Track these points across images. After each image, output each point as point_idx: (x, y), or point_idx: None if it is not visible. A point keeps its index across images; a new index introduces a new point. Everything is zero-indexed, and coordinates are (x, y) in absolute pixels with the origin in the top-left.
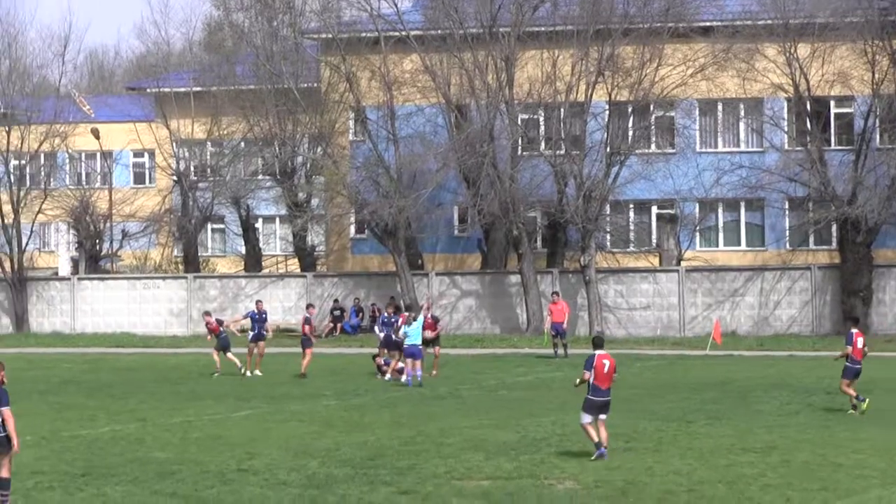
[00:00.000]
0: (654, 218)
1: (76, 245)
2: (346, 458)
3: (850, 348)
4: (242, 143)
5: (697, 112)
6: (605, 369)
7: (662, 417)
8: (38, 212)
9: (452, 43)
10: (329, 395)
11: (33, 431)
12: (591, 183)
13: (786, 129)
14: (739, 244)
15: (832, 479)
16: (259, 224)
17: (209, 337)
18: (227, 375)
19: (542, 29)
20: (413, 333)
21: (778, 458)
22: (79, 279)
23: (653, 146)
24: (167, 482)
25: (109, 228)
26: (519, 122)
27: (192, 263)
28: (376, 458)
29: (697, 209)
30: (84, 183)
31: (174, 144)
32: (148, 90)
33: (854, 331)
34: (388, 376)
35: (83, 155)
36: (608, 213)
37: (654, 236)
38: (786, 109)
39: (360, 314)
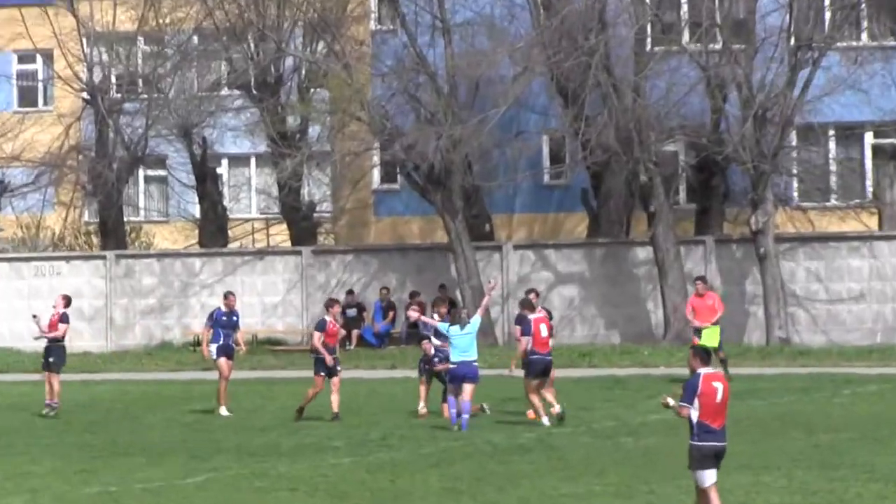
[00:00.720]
0: (867, 152)
1: None
2: None
3: None
4: (196, 39)
5: None
6: (718, 397)
7: (886, 478)
8: None
9: None
10: (340, 448)
11: None
12: (766, 97)
13: None
14: None
15: None
16: (223, 169)
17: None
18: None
19: None
20: (463, 342)
21: None
22: None
23: (864, 35)
24: None
25: None
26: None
27: (113, 235)
28: None
29: None
30: None
31: (84, 42)
32: None
33: None
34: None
35: None
36: (794, 144)
37: (868, 182)
38: None
39: (391, 314)
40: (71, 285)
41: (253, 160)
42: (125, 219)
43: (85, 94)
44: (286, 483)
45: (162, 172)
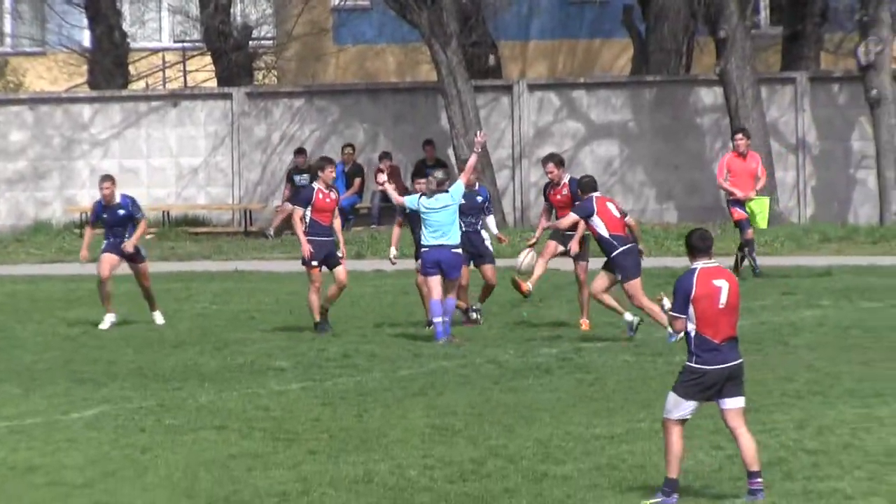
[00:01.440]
0: None
1: None
2: None
3: None
4: None
5: None
6: (721, 300)
7: None
8: None
9: None
10: (285, 370)
11: None
12: None
13: None
14: None
15: None
16: None
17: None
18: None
19: None
20: (438, 219)
21: None
22: None
23: None
24: None
25: None
26: None
27: None
28: None
29: None
30: None
31: None
32: None
33: None
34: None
35: None
36: None
37: None
38: None
39: (357, 181)
40: None
41: None
42: None
43: None
44: (209, 419)
45: None
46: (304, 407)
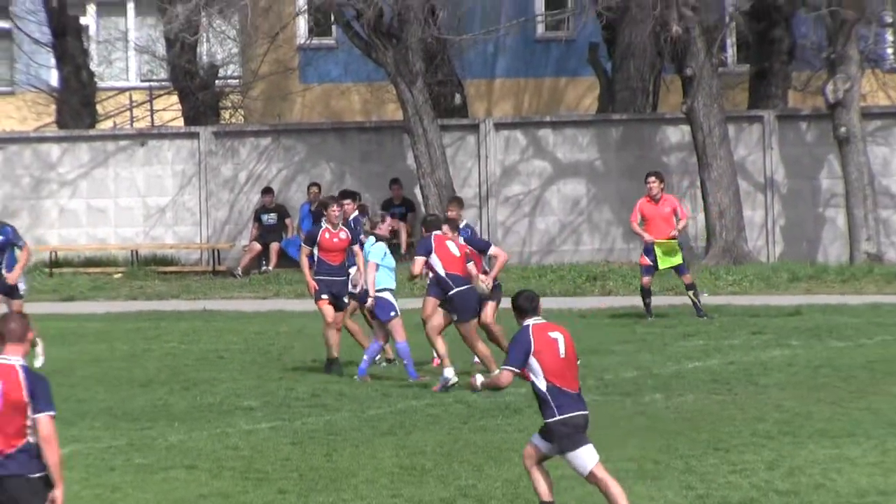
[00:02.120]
0: None
1: None
2: None
3: None
4: None
5: None
6: (560, 351)
7: None
8: None
9: None
10: (255, 409)
11: None
12: None
13: None
14: None
15: None
16: (90, 19)
17: None
18: None
19: None
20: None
21: None
22: None
23: None
24: None
25: None
26: None
27: None
28: None
29: None
30: None
31: None
32: None
33: None
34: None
35: None
36: None
37: None
38: None
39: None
40: None
41: (131, 6)
42: None
43: None
44: (179, 458)
45: (5, 24)
46: (274, 446)
